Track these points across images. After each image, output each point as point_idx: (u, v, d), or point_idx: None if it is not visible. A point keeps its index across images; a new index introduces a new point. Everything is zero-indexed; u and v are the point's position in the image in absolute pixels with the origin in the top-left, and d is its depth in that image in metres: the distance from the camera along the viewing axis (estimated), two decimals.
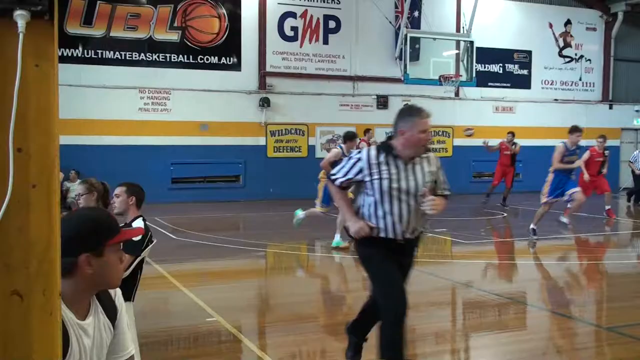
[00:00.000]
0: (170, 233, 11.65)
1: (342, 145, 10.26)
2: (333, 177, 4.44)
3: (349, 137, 10.40)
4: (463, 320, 6.79)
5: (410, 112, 4.37)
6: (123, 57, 17.07)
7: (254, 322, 6.73)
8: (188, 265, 9.33)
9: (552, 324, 6.49)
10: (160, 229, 11.63)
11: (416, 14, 19.73)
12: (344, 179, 4.38)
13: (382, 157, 4.25)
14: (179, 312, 6.71)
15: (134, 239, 4.91)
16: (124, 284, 4.38)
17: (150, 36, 17.29)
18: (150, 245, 5.15)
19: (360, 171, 4.27)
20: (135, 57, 17.19)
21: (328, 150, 18.93)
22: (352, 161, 4.36)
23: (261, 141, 18.57)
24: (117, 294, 2.34)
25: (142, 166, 16.18)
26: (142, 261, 5.09)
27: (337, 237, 10.23)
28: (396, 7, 19.67)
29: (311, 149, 19.10)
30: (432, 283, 8.30)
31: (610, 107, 23.03)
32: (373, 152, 4.31)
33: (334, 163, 9.90)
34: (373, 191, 4.24)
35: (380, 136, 19.69)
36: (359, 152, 4.39)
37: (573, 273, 9.05)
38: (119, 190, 5.11)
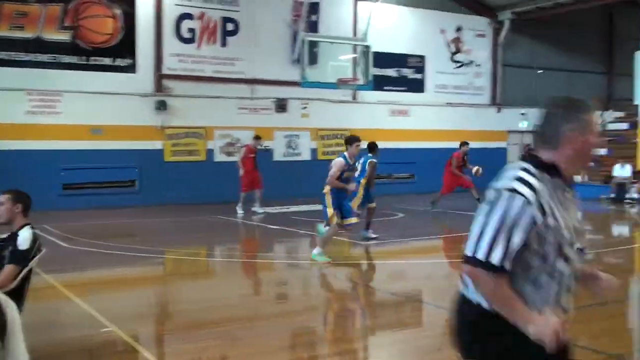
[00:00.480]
0: (61, 241, 11.18)
1: (345, 153, 9.42)
2: (486, 260, 2.38)
3: (351, 141, 9.43)
4: (361, 320, 6.90)
5: (577, 107, 2.57)
6: (9, 57, 16.23)
7: (152, 330, 6.56)
8: (80, 275, 8.99)
9: (447, 321, 6.70)
10: (50, 237, 11.13)
11: (314, 17, 19.94)
12: (514, 246, 2.37)
13: (548, 186, 2.47)
14: (71, 324, 6.44)
15: (20, 248, 4.69)
16: (11, 296, 4.17)
17: (39, 36, 16.54)
18: (39, 255, 4.93)
19: (534, 222, 2.38)
20: (22, 58, 16.38)
21: (228, 154, 18.88)
22: (514, 209, 2.38)
23: (158, 145, 18.15)
24: (8, 305, 2.23)
25: (30, 172, 15.45)
26: (30, 272, 4.87)
27: (317, 250, 9.32)
28: (294, 10, 19.78)
29: (210, 152, 18.88)
30: (331, 284, 8.40)
31: (499, 111, 24.10)
32: (533, 179, 2.44)
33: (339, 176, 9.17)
34: (543, 250, 2.43)
35: (279, 140, 19.83)
36: (509, 188, 2.42)
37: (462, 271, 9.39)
38: (3, 198, 4.88)
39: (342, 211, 9.31)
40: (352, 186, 9.44)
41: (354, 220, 9.46)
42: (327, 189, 9.30)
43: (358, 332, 6.43)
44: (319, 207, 16.79)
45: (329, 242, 9.49)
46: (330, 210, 9.21)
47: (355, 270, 9.45)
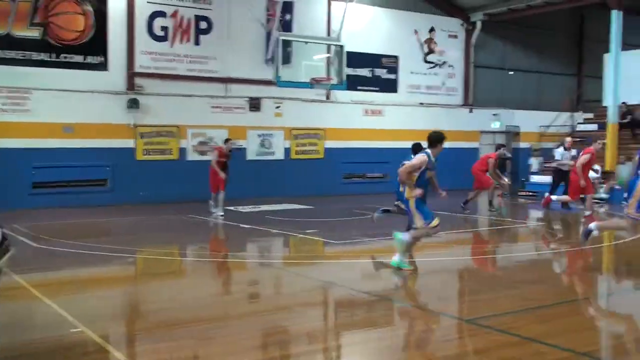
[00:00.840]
0: (31, 241, 11.04)
1: (428, 150, 8.54)
2: None
3: (439, 140, 8.54)
4: (334, 319, 6.94)
5: None
6: None
7: (123, 330, 6.52)
8: (51, 275, 8.88)
9: (418, 319, 6.77)
10: (20, 237, 11.00)
11: (288, 17, 19.94)
12: None
13: None
14: (41, 325, 6.37)
15: None
16: None
17: (8, 32, 16.31)
18: (8, 255, 4.88)
19: None
20: None
21: (201, 153, 18.78)
22: None
23: (130, 143, 18.01)
24: None
25: None
26: None
27: (398, 257, 8.68)
28: (268, 9, 19.75)
29: (182, 151, 18.79)
30: (303, 284, 8.42)
31: (471, 111, 24.33)
32: None
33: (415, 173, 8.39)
34: None
35: (252, 139, 19.78)
36: None
37: (437, 269, 9.48)
38: None
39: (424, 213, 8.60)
40: (418, 192, 8.46)
41: (435, 222, 8.62)
42: (410, 193, 8.49)
43: (330, 331, 6.46)
44: (292, 206, 16.86)
45: (411, 247, 8.89)
46: (416, 213, 8.54)
47: (328, 269, 9.48)
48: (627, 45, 21.56)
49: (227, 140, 16.04)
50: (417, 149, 10.31)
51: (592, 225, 9.25)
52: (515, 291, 7.76)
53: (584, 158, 14.46)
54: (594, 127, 23.34)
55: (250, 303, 7.63)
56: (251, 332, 6.14)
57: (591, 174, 16.61)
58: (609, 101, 21.54)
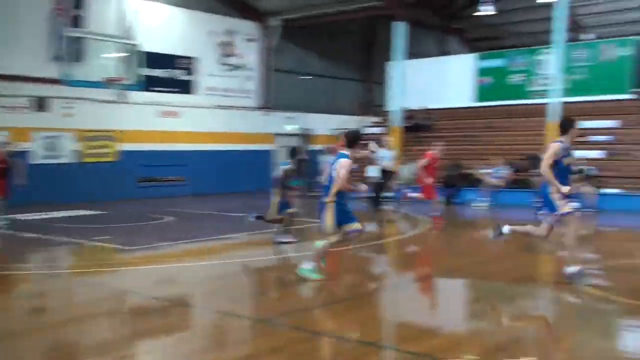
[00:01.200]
0: None
1: (346, 152, 8.06)
2: None
3: (358, 139, 8.24)
4: (127, 328, 6.70)
5: None
6: None
7: None
8: None
9: (213, 322, 6.76)
10: None
11: (78, 12, 18.91)
12: None
13: None
14: None
15: None
16: None
17: None
18: None
19: None
20: None
21: None
22: None
23: None
24: None
25: None
26: None
27: (310, 265, 8.23)
28: (56, 3, 18.56)
29: None
30: (93, 293, 8.03)
31: (267, 114, 24.79)
32: None
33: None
34: None
35: (38, 141, 18.45)
36: None
37: (233, 271, 9.54)
38: None
39: (346, 217, 8.22)
40: (363, 187, 8.35)
41: (358, 225, 8.25)
42: (331, 197, 8.07)
43: (125, 340, 6.22)
44: (82, 212, 16.01)
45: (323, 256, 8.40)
46: (330, 221, 8.09)
47: (120, 277, 9.13)
48: (411, 54, 23.29)
49: (4, 144, 14.69)
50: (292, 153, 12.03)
51: (505, 228, 8.65)
52: (309, 288, 8.03)
53: (423, 161, 15.19)
54: (380, 130, 24.91)
55: (35, 317, 7.11)
56: (36, 349, 5.74)
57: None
58: (393, 106, 23.15)
